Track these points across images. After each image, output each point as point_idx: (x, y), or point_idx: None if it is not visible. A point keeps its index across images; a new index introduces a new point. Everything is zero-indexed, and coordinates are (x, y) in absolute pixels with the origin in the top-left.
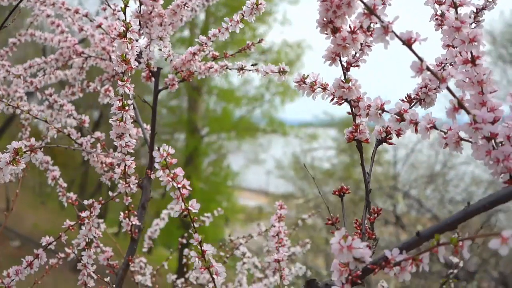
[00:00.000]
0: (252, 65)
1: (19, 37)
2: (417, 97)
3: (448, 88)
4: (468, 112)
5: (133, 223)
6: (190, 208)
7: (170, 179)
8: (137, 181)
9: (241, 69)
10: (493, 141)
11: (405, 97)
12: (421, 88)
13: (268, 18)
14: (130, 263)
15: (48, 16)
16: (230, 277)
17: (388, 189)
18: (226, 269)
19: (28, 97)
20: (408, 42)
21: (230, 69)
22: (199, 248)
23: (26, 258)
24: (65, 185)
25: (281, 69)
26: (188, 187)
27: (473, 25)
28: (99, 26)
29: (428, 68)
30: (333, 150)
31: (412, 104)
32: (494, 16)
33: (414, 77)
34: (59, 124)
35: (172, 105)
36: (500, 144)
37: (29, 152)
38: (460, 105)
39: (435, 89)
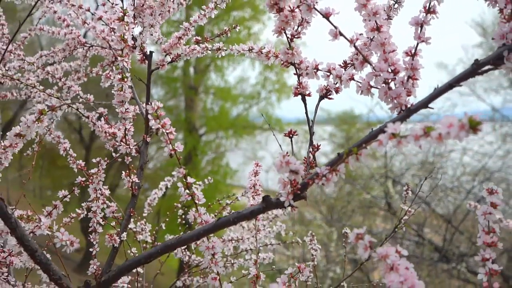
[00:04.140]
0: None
1: (29, 31)
2: (351, 62)
3: (355, 47)
4: (370, 64)
5: (133, 180)
6: (176, 148)
7: (161, 126)
8: (135, 144)
9: (218, 49)
10: (392, 84)
11: (342, 62)
12: (353, 55)
13: (263, 17)
14: (131, 214)
15: (55, 12)
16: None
17: (379, 178)
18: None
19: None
20: (327, 15)
21: (210, 50)
22: (184, 181)
23: (46, 208)
24: (74, 154)
25: (250, 48)
26: (174, 133)
27: (396, 5)
28: (100, 18)
29: (340, 33)
30: (329, 145)
31: (348, 68)
32: (484, 8)
33: (331, 40)
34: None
35: (170, 105)
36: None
37: (51, 111)
38: (365, 59)
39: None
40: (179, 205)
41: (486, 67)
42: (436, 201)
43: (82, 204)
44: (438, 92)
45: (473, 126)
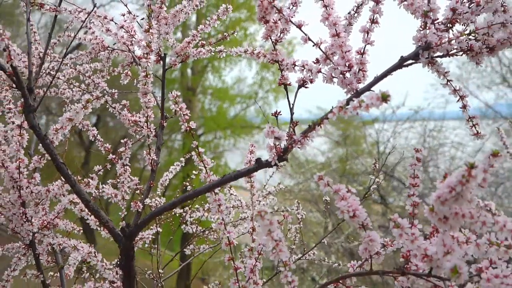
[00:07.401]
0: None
1: (58, 37)
2: None
3: (320, 48)
4: (330, 60)
5: (153, 158)
6: (190, 125)
7: (178, 109)
8: (155, 127)
9: (221, 51)
10: (348, 75)
11: (315, 59)
12: (322, 54)
13: None
14: (151, 186)
15: (82, 21)
16: None
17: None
18: None
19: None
20: (299, 26)
21: (213, 52)
22: (197, 150)
23: (85, 180)
24: (102, 139)
25: (246, 50)
26: (188, 114)
27: (355, 14)
28: (122, 27)
29: (309, 39)
30: (326, 144)
31: (318, 63)
32: None
33: (302, 44)
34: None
35: (168, 106)
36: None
37: (96, 100)
38: (327, 57)
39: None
40: (188, 184)
41: (410, 61)
42: (430, 194)
43: (108, 181)
44: (376, 80)
45: (384, 98)
